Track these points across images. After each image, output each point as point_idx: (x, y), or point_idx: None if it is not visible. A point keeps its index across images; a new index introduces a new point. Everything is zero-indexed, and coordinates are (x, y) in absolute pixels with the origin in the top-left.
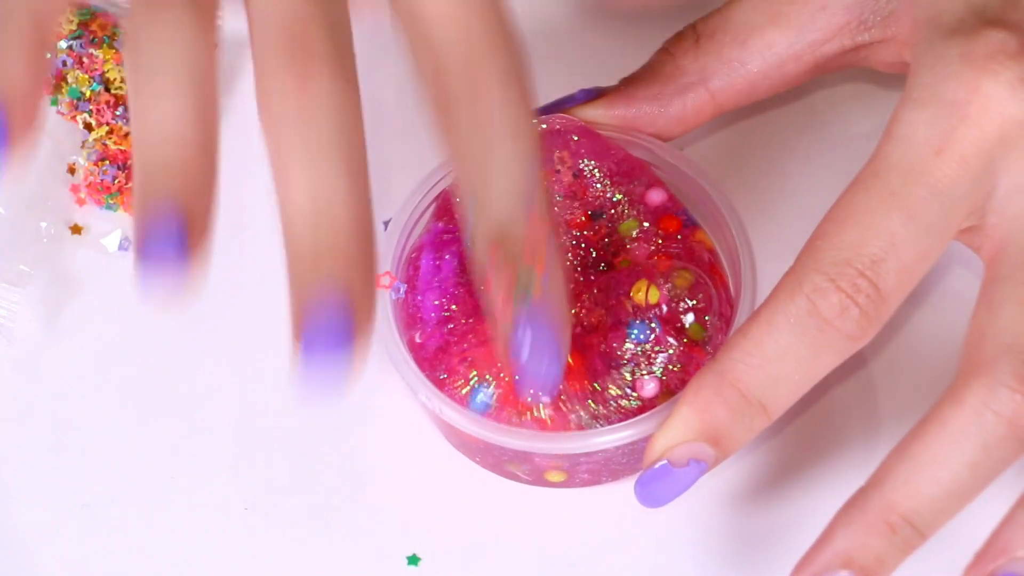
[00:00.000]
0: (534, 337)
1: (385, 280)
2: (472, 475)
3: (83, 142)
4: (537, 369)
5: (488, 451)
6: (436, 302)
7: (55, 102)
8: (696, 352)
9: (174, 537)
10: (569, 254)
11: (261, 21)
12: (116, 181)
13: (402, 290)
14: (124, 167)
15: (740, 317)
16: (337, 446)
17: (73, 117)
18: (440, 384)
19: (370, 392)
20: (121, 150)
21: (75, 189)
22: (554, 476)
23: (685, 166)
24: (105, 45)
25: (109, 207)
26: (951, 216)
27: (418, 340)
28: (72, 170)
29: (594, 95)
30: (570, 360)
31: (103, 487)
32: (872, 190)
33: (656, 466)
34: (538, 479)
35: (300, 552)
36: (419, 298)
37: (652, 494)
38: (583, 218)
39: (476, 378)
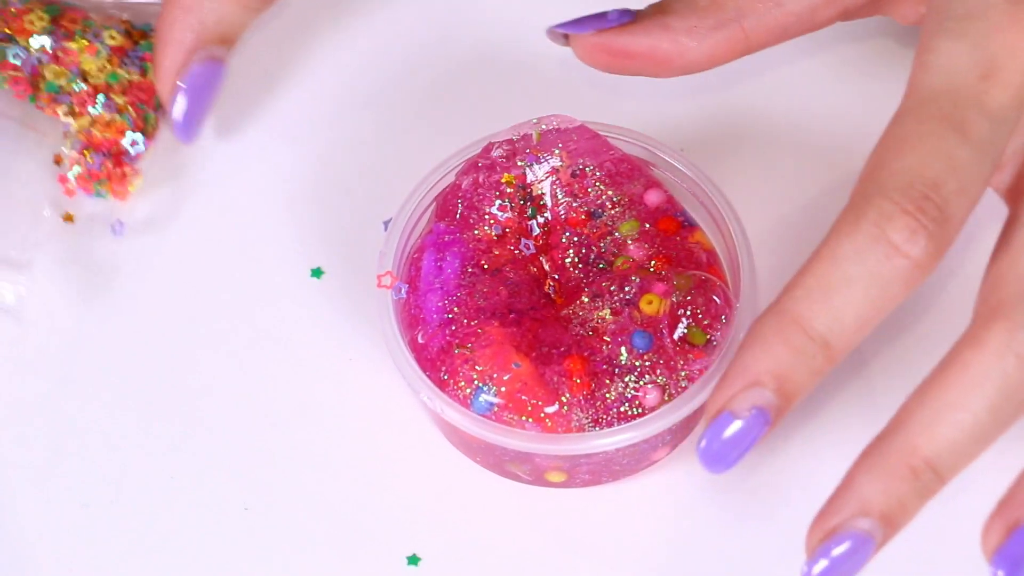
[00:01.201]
0: None
1: (386, 280)
2: (472, 475)
3: (65, 133)
4: None
5: (489, 451)
6: (439, 303)
7: (33, 99)
8: (698, 356)
9: (174, 537)
10: (571, 251)
11: None
12: (103, 168)
13: (403, 290)
14: (110, 154)
15: (740, 318)
16: (337, 446)
17: (54, 111)
18: (442, 384)
19: (371, 392)
20: (106, 138)
21: (63, 179)
22: (554, 476)
23: (684, 166)
24: (78, 37)
25: (99, 195)
26: (1000, 139)
27: (420, 340)
28: (58, 160)
29: (628, 18)
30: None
31: (103, 487)
32: (924, 115)
33: (718, 418)
34: (538, 479)
35: (300, 552)
36: (421, 298)
37: (716, 453)
38: (583, 217)
39: (479, 379)
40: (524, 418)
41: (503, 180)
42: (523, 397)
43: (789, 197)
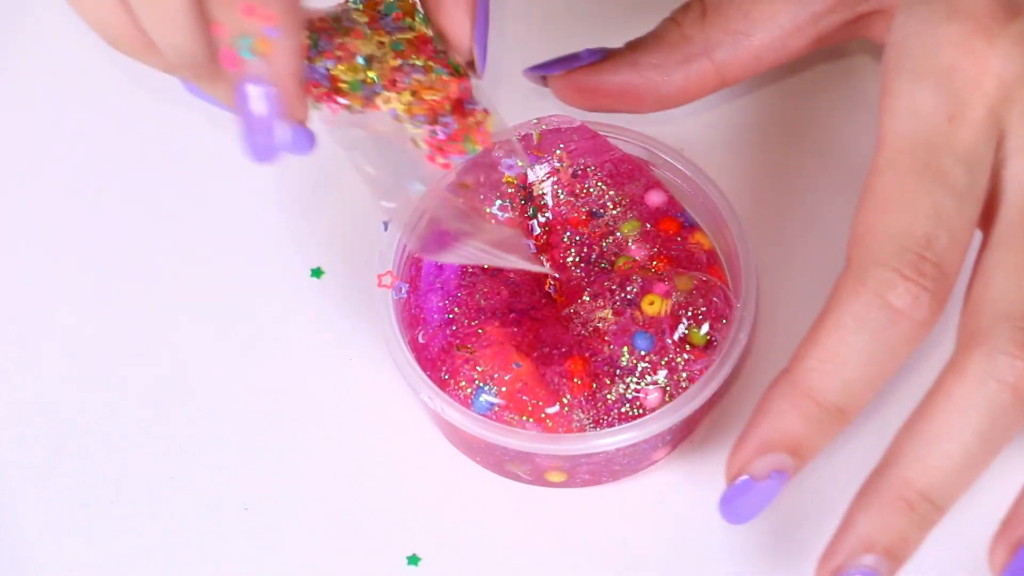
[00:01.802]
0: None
1: (387, 280)
2: (472, 475)
3: (396, 118)
4: (255, 127)
5: (489, 451)
6: (439, 303)
7: (352, 106)
8: (698, 356)
9: (174, 537)
10: (572, 250)
11: None
12: (459, 125)
13: (403, 290)
14: (451, 111)
15: (740, 318)
16: (337, 446)
17: (375, 105)
18: (442, 384)
19: (371, 392)
20: (435, 100)
21: (431, 159)
22: (555, 476)
23: (684, 166)
24: (340, 32)
25: (472, 151)
26: (980, 179)
27: (421, 340)
28: (417, 144)
29: (599, 56)
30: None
31: (103, 487)
32: (901, 170)
33: (738, 482)
34: (539, 479)
35: (300, 552)
36: (421, 298)
37: (737, 511)
38: (583, 217)
39: (479, 379)
40: (525, 418)
41: (504, 180)
42: (524, 397)
43: (789, 197)
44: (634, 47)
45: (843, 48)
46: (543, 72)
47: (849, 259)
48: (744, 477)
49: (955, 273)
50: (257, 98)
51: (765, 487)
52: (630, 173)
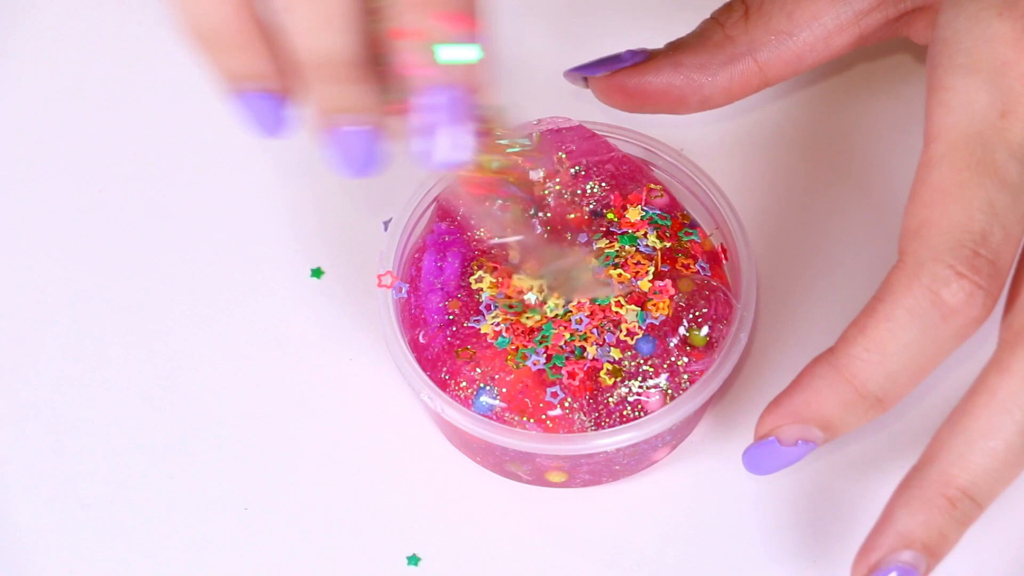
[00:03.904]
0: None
1: (387, 280)
2: (472, 475)
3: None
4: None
5: (489, 451)
6: (439, 303)
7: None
8: (698, 356)
9: (174, 537)
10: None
11: None
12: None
13: (404, 290)
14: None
15: (740, 318)
16: (337, 446)
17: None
18: (442, 384)
19: (371, 392)
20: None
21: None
22: (555, 476)
23: (684, 166)
24: None
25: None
26: None
27: (421, 340)
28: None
29: (641, 58)
30: (578, 372)
31: (103, 487)
32: (956, 164)
33: (764, 441)
34: (539, 479)
35: (300, 552)
36: (421, 299)
37: (759, 464)
38: (585, 217)
39: (480, 380)
40: (525, 418)
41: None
42: (524, 399)
43: (789, 197)
44: (676, 48)
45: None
46: (584, 73)
47: (902, 252)
48: (771, 439)
49: (1007, 270)
50: (442, 105)
51: (790, 451)
52: (630, 173)
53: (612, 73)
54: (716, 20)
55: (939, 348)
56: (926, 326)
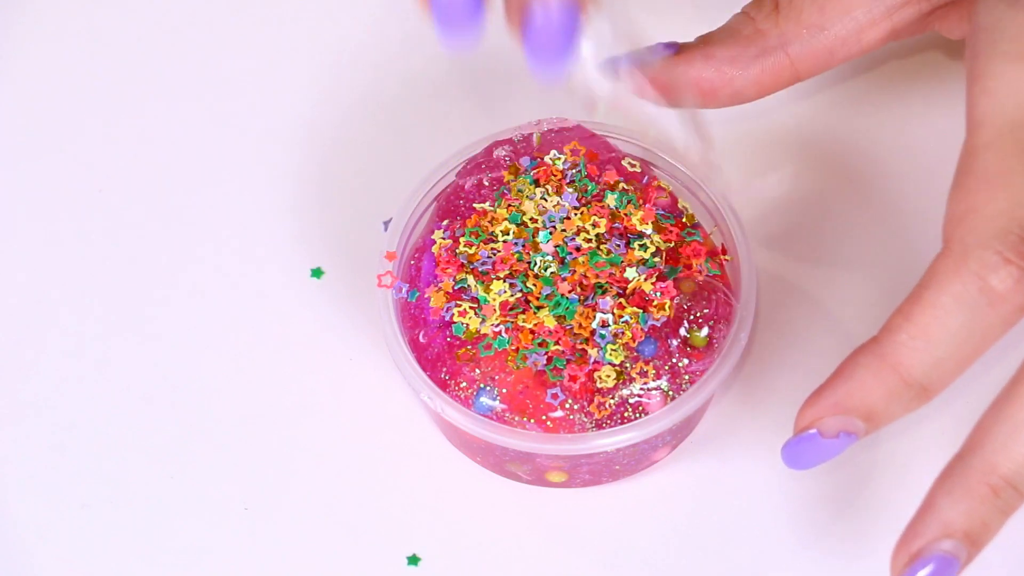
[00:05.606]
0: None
1: (386, 279)
2: (472, 475)
3: None
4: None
5: (489, 451)
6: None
7: None
8: (698, 357)
9: (174, 537)
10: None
11: None
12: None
13: (404, 290)
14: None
15: (740, 318)
16: (337, 446)
17: None
18: (442, 384)
19: (371, 392)
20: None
21: None
22: (555, 476)
23: (684, 166)
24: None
25: None
26: None
27: (421, 340)
28: None
29: (672, 51)
30: (579, 375)
31: (103, 487)
32: (1003, 151)
33: (805, 434)
34: (539, 479)
35: (300, 552)
36: (422, 299)
37: (798, 458)
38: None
39: (480, 380)
40: (525, 418)
41: (506, 180)
42: (525, 399)
43: (789, 197)
44: (707, 41)
45: None
46: (615, 67)
47: (947, 239)
48: (812, 431)
49: None
50: None
51: (831, 444)
52: (631, 174)
53: (644, 64)
54: (747, 14)
55: (986, 335)
56: (973, 313)
